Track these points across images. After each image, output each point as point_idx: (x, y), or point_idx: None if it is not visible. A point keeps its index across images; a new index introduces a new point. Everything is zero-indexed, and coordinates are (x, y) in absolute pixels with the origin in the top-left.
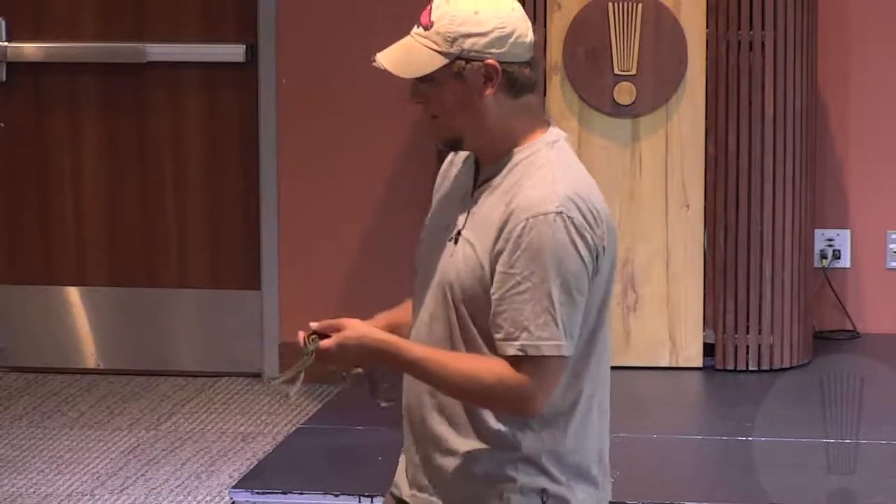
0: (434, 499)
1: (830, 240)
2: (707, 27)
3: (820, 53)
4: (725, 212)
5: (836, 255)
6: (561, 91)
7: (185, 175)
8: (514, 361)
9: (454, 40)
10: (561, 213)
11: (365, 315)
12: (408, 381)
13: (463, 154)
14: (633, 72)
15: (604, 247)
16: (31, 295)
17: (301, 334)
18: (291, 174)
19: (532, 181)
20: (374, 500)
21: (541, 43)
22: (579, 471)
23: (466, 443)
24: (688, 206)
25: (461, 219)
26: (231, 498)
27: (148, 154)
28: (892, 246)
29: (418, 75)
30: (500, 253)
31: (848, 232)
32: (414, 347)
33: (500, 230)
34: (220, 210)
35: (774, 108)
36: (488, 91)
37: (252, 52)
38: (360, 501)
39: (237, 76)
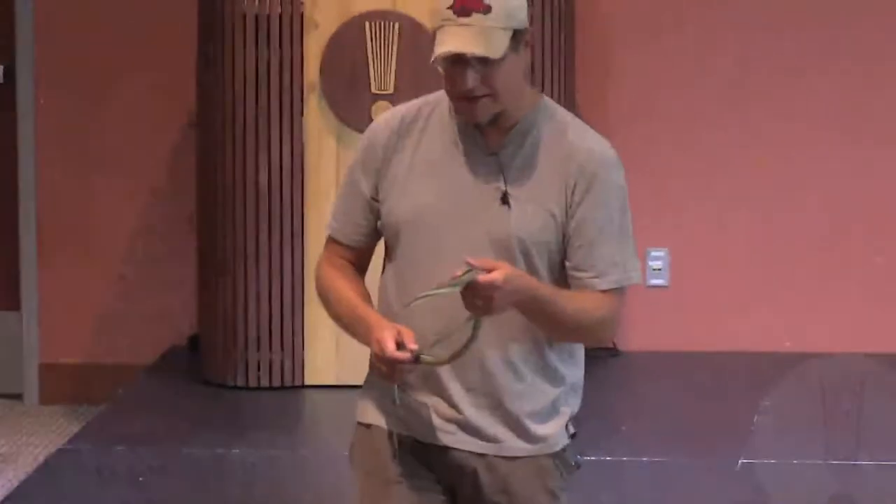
0: (491, 444)
1: None
2: None
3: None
4: None
5: None
6: (318, 111)
7: None
8: (605, 294)
9: (513, 15)
10: (618, 157)
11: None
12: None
13: (399, 123)
14: (391, 91)
15: None
16: None
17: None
18: (51, 194)
19: (579, 134)
20: None
21: (298, 62)
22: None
23: (530, 385)
24: None
25: (496, 180)
26: None
27: None
28: (651, 263)
29: (501, 54)
30: (580, 203)
31: None
32: (542, 285)
33: (574, 183)
34: None
35: None
36: (527, 57)
37: (10, 72)
38: None
39: None
